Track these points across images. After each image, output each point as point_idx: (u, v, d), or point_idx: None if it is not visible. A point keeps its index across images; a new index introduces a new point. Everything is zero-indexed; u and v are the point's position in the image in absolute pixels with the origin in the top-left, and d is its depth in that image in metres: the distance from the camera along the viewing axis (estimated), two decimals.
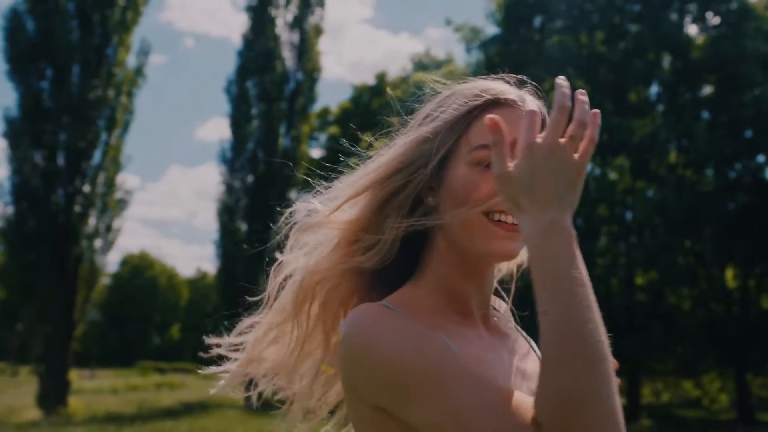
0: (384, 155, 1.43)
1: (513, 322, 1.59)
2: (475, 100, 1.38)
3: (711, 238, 26.78)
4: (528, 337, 1.56)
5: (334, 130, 36.67)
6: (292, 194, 33.47)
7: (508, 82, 1.45)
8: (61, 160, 25.27)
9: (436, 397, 1.14)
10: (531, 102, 1.40)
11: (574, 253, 1.12)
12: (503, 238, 1.30)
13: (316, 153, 37.53)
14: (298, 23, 32.19)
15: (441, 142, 1.35)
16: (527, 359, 1.44)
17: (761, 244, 25.86)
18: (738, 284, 28.28)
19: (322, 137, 38.17)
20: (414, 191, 1.36)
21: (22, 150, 25.00)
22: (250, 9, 32.08)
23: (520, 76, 1.48)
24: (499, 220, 1.30)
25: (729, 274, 28.35)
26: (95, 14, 25.61)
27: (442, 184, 1.35)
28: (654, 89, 28.38)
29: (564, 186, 1.14)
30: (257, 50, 31.33)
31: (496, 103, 1.37)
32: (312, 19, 32.46)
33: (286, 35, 32.10)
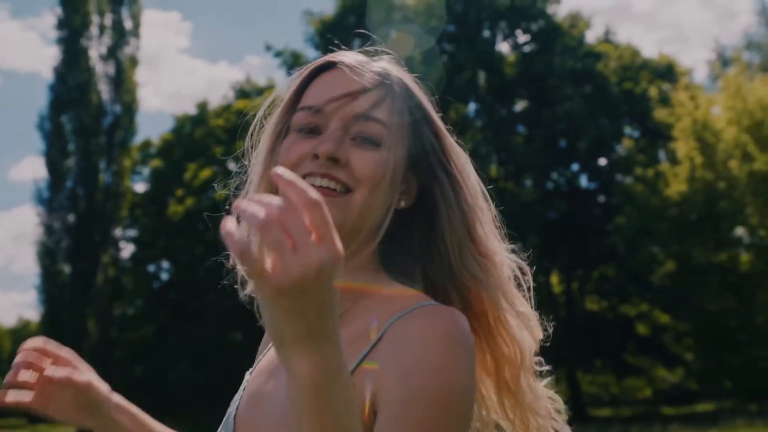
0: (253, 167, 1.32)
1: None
2: (306, 70, 1.29)
3: (535, 246, 27.90)
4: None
5: (157, 162, 35.68)
6: (117, 231, 32.33)
7: (369, 53, 1.34)
8: None
9: None
10: (364, 63, 1.27)
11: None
12: None
13: (140, 187, 36.43)
14: (112, 54, 31.22)
15: (279, 122, 1.28)
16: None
17: (580, 249, 27.20)
18: (562, 288, 29.59)
19: (146, 170, 37.10)
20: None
21: None
22: (61, 41, 30.84)
23: (376, 48, 1.37)
24: (312, 185, 1.14)
25: (554, 279, 29.61)
26: None
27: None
28: (472, 106, 29.36)
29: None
30: (71, 83, 30.16)
31: (324, 69, 1.27)
32: (127, 50, 31.60)
33: (100, 67, 31.07)
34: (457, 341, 1.06)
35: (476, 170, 1.38)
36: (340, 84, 1.22)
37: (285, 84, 1.32)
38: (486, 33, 28.53)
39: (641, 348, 29.01)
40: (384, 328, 1.11)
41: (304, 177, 1.16)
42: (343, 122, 1.19)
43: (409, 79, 1.32)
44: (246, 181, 1.33)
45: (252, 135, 1.35)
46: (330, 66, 1.27)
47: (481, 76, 28.42)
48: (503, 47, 29.21)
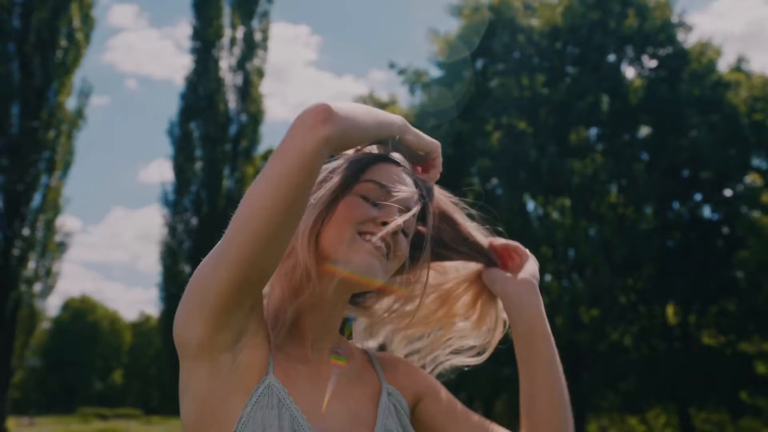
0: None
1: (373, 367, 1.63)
2: (369, 155, 1.55)
3: (651, 275, 27.23)
4: (389, 388, 1.59)
5: None
6: None
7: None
8: None
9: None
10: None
11: None
12: (368, 253, 1.41)
13: None
14: (241, 66, 32.29)
15: (340, 182, 1.49)
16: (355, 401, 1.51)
17: (700, 281, 26.39)
18: (678, 320, 28.76)
19: None
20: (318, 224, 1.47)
21: None
22: (194, 51, 32.09)
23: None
24: (369, 240, 1.42)
25: (670, 310, 28.82)
26: (36, 56, 25.33)
27: (333, 212, 1.46)
28: (594, 130, 28.94)
29: None
30: (200, 93, 31.33)
31: (380, 159, 1.55)
32: (255, 62, 32.59)
33: (229, 77, 32.17)
34: None
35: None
36: (400, 177, 1.51)
37: (349, 157, 1.55)
38: (611, 57, 28.12)
39: (759, 388, 27.86)
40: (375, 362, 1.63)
41: (363, 233, 1.43)
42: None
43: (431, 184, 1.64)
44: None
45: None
46: (386, 159, 1.55)
47: (605, 101, 28.01)
48: (628, 72, 28.73)
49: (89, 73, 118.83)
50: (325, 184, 1.48)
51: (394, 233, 1.44)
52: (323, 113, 1.27)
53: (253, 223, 1.26)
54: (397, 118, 1.48)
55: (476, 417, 1.63)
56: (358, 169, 1.50)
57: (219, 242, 1.32)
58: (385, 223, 1.42)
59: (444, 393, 1.64)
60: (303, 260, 1.41)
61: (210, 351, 1.31)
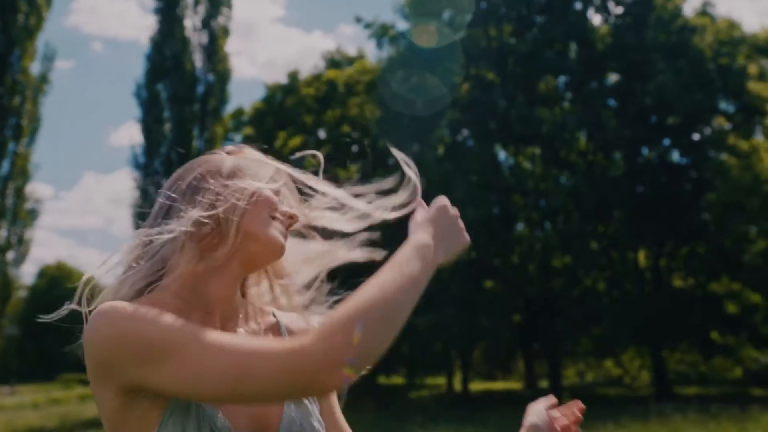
0: None
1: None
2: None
3: (622, 221, 27.55)
4: None
5: (248, 130, 36.47)
6: None
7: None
8: None
9: (177, 360, 1.28)
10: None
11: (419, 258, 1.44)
12: (279, 232, 1.59)
13: None
14: (206, 24, 31.92)
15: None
16: None
17: (669, 225, 26.74)
18: (649, 264, 29.18)
19: (238, 138, 37.95)
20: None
21: None
22: (158, 11, 31.67)
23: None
24: (279, 223, 1.61)
25: (641, 255, 29.20)
26: None
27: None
28: (562, 79, 29.01)
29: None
30: (166, 53, 30.99)
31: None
32: (220, 20, 32.24)
33: (195, 37, 31.81)
34: None
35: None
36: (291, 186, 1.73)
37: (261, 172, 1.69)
38: (578, 5, 28.11)
39: (730, 327, 28.43)
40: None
41: (275, 218, 1.61)
42: None
43: None
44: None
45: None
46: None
47: (572, 49, 28.06)
48: (595, 19, 28.76)
49: (53, 37, 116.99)
50: (251, 183, 1.61)
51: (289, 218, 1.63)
52: (343, 381, 1.25)
53: (241, 385, 1.27)
54: (427, 261, 1.48)
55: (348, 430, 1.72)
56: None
57: (198, 352, 1.28)
58: (290, 216, 1.61)
59: (334, 395, 1.70)
60: (231, 241, 1.53)
61: (136, 391, 1.33)
